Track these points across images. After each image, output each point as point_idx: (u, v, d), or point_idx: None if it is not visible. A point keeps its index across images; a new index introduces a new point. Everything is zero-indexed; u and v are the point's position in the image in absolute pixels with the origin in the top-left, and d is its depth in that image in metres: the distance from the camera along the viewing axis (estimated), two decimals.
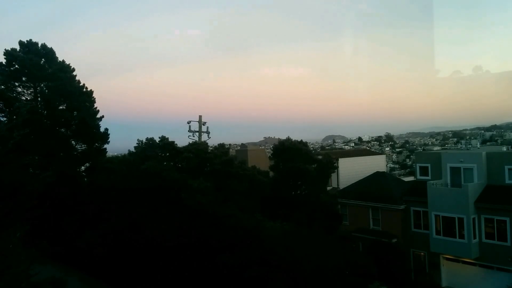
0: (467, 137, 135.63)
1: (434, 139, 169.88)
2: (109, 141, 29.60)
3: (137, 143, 29.30)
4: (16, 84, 26.90)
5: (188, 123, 32.14)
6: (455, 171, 29.88)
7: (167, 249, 19.84)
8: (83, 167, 29.55)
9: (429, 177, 31.24)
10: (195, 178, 23.02)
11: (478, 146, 38.06)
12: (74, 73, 28.84)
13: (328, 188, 35.67)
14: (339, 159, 40.20)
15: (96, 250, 21.48)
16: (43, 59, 27.53)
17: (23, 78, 26.85)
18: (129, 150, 30.12)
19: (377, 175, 37.75)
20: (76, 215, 24.58)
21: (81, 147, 28.73)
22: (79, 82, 28.93)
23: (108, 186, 23.53)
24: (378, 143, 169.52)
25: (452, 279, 29.41)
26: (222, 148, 30.60)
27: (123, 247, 21.06)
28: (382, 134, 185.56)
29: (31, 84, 27.13)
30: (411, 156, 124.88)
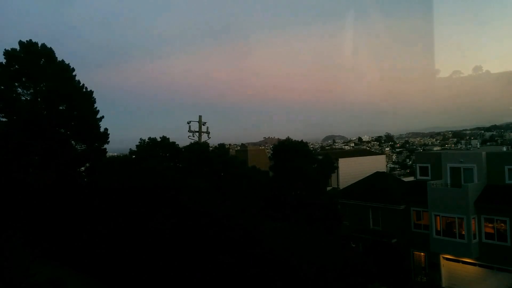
0: (467, 137, 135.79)
1: (434, 139, 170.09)
2: (109, 141, 29.63)
3: (139, 142, 29.56)
4: (16, 84, 26.89)
5: (188, 123, 32.10)
6: (455, 171, 29.90)
7: (167, 249, 19.85)
8: (83, 167, 29.56)
9: (429, 177, 31.27)
10: (195, 178, 23.05)
11: (478, 146, 38.12)
12: (74, 73, 28.86)
13: (328, 188, 35.69)
14: (339, 159, 40.25)
15: (96, 250, 21.50)
16: (43, 59, 27.52)
17: (23, 78, 26.84)
18: (130, 149, 30.34)
19: (377, 175, 37.78)
20: (76, 215, 24.58)
21: (81, 147, 28.72)
22: (79, 82, 28.93)
23: (108, 186, 23.54)
24: (378, 143, 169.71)
25: (452, 279, 29.43)
26: (222, 148, 30.62)
27: (123, 247, 21.07)
28: (382, 134, 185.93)
29: (31, 84, 27.12)
30: (411, 156, 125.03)
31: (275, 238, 19.56)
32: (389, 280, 27.35)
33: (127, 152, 31.19)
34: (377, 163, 44.44)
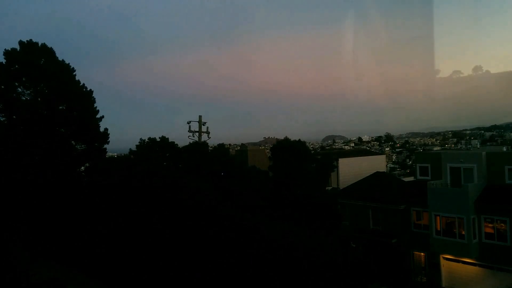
0: (467, 137, 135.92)
1: (434, 139, 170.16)
2: (109, 141, 29.66)
3: (139, 142, 29.61)
4: (16, 84, 26.90)
5: (188, 123, 32.10)
6: (455, 171, 29.90)
7: (167, 249, 19.86)
8: (83, 167, 29.58)
9: (429, 177, 31.27)
10: (195, 178, 23.06)
11: (478, 146, 38.16)
12: (74, 73, 28.88)
13: (328, 188, 35.72)
14: (339, 159, 40.29)
15: (96, 250, 21.51)
16: (43, 59, 27.53)
17: (23, 78, 26.85)
18: (130, 149, 30.37)
19: (377, 175, 37.77)
20: (76, 215, 24.60)
21: (81, 147, 28.73)
22: (79, 82, 28.95)
23: (108, 187, 23.55)
24: (378, 143, 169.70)
25: (452, 279, 29.42)
26: (222, 148, 30.63)
27: (123, 247, 21.08)
28: (382, 134, 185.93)
29: (31, 84, 27.13)
30: (411, 156, 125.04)
31: (275, 238, 19.56)
32: (389, 280, 27.38)
33: (127, 152, 31.23)
34: (377, 163, 44.47)
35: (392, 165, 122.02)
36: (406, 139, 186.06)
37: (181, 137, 32.38)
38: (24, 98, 26.86)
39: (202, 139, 32.32)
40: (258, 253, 18.64)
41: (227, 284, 18.46)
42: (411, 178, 41.69)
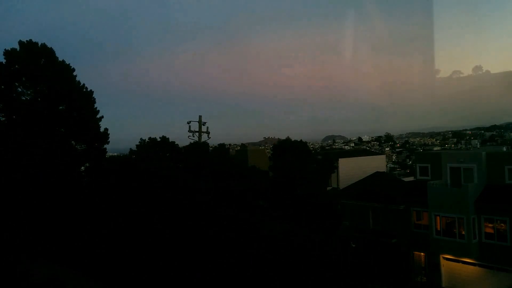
0: (467, 137, 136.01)
1: (434, 139, 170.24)
2: (109, 141, 29.67)
3: (139, 142, 29.64)
4: (16, 84, 26.89)
5: (188, 123, 32.05)
6: (455, 171, 29.88)
7: (167, 249, 19.87)
8: (83, 167, 29.58)
9: (429, 177, 31.25)
10: (195, 178, 23.07)
11: (478, 146, 38.13)
12: (74, 73, 28.88)
13: (328, 188, 35.71)
14: (339, 159, 40.28)
15: (96, 250, 21.52)
16: (43, 59, 27.52)
17: (23, 78, 26.84)
18: (130, 149, 30.41)
19: (377, 175, 37.77)
20: (76, 215, 24.61)
21: (81, 147, 28.73)
22: (79, 82, 28.96)
23: (108, 187, 23.56)
24: (378, 143, 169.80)
25: (452, 280, 29.41)
26: (222, 148, 30.64)
27: (123, 247, 21.09)
28: (382, 134, 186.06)
29: (31, 84, 27.12)
30: (411, 156, 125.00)
31: (275, 238, 19.57)
32: (389, 280, 27.38)
33: (127, 152, 31.27)
34: (377, 163, 44.46)
35: (392, 165, 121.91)
36: (406, 139, 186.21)
37: (181, 137, 32.37)
38: (24, 98, 26.85)
39: (202, 139, 32.29)
40: (258, 253, 18.64)
41: (227, 284, 18.46)
42: (411, 178, 41.65)
